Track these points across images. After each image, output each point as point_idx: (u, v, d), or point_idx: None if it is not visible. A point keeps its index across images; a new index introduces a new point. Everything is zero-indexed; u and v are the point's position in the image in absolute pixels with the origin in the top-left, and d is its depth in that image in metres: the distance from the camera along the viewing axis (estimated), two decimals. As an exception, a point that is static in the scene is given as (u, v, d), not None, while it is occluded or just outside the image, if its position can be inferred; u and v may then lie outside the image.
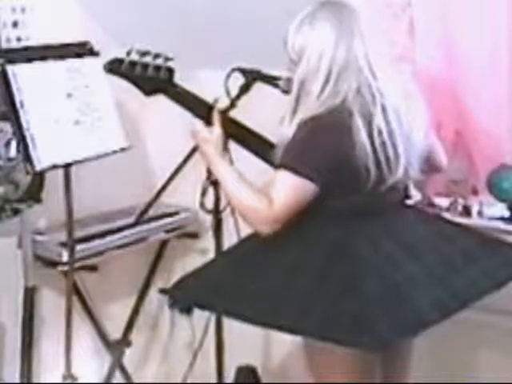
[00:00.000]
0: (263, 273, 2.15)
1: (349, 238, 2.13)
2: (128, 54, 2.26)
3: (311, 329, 2.00)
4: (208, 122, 2.31)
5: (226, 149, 2.40)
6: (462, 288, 2.12)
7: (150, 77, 2.27)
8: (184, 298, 2.44)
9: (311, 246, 2.14)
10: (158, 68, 2.29)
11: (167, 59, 2.30)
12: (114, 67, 2.26)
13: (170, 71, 2.32)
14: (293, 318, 2.01)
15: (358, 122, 2.07)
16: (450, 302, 2.07)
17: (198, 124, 2.31)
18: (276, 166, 2.14)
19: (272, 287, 2.09)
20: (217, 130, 2.29)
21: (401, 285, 2.05)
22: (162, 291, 2.47)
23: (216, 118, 2.31)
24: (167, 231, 3.33)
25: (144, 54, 2.27)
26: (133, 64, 2.25)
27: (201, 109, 2.39)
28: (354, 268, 2.06)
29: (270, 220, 2.08)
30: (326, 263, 2.08)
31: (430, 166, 2.34)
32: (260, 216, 2.09)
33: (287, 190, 2.09)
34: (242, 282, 2.16)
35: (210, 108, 2.35)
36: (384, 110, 2.12)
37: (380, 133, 2.10)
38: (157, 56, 2.29)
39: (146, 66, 2.27)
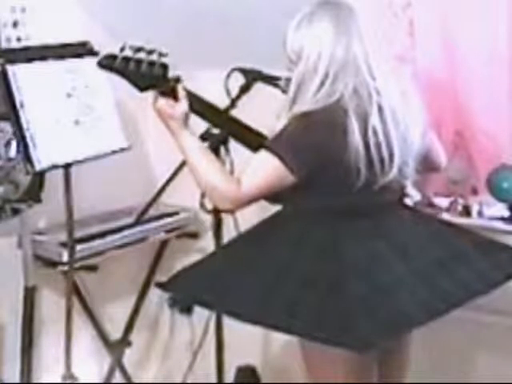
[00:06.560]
0: (253, 271, 2.15)
1: (337, 238, 2.12)
2: (122, 49, 2.23)
3: (298, 328, 2.01)
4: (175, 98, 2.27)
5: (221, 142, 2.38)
6: (450, 289, 2.10)
7: (144, 73, 2.25)
8: (178, 291, 2.44)
9: (299, 246, 2.14)
10: (151, 64, 2.26)
11: (161, 55, 2.27)
12: (108, 63, 2.23)
13: (164, 67, 2.29)
14: (280, 317, 2.02)
15: (353, 122, 2.06)
16: (438, 303, 2.06)
17: (161, 100, 2.24)
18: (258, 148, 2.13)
19: (261, 285, 2.09)
20: (183, 106, 2.23)
21: (387, 285, 2.05)
22: (158, 285, 2.47)
23: (182, 93, 2.26)
24: (167, 231, 3.32)
25: (138, 49, 2.24)
26: (127, 60, 2.23)
27: (196, 105, 2.38)
28: (340, 268, 2.06)
29: (234, 200, 2.10)
30: (314, 263, 2.08)
31: (428, 165, 2.34)
32: (224, 195, 2.10)
33: (262, 172, 2.09)
34: (231, 279, 2.16)
35: (175, 82, 2.28)
36: (380, 109, 2.12)
37: (375, 132, 2.09)
38: (151, 52, 2.25)
39: (139, 61, 2.24)
